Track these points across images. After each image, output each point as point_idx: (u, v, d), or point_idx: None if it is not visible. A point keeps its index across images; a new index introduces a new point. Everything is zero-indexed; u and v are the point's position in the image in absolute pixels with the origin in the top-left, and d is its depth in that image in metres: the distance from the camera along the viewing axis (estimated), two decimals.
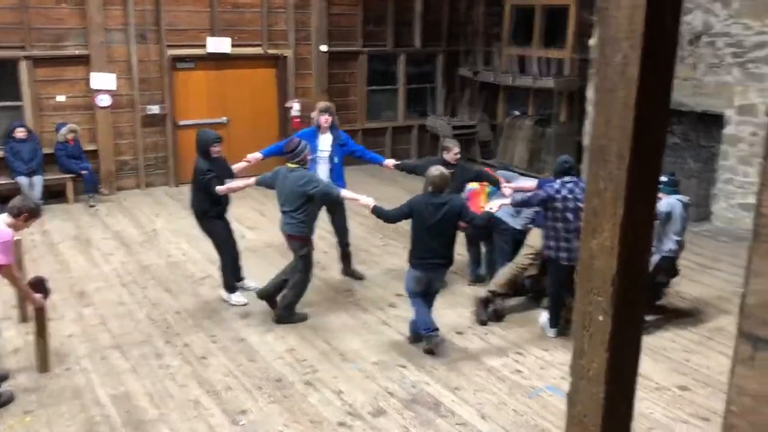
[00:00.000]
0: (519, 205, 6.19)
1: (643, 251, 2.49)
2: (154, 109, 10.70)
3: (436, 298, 6.02)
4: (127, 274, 7.47)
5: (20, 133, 9.44)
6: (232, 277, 6.73)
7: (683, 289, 7.12)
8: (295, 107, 11.77)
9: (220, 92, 11.36)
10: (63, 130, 9.77)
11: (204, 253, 8.08)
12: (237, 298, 6.67)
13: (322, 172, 7.00)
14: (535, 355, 5.83)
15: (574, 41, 11.48)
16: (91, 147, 10.30)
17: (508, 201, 6.13)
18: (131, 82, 10.49)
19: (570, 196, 5.79)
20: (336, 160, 7.14)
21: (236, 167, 6.70)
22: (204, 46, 10.83)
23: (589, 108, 11.03)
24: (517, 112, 12.66)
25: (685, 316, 6.65)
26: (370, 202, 6.00)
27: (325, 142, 7.13)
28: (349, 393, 5.19)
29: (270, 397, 5.10)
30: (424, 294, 5.82)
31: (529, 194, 6.12)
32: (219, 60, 11.12)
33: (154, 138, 10.90)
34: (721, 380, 5.43)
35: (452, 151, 6.87)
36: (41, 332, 5.34)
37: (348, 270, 7.44)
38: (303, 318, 6.33)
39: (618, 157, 2.33)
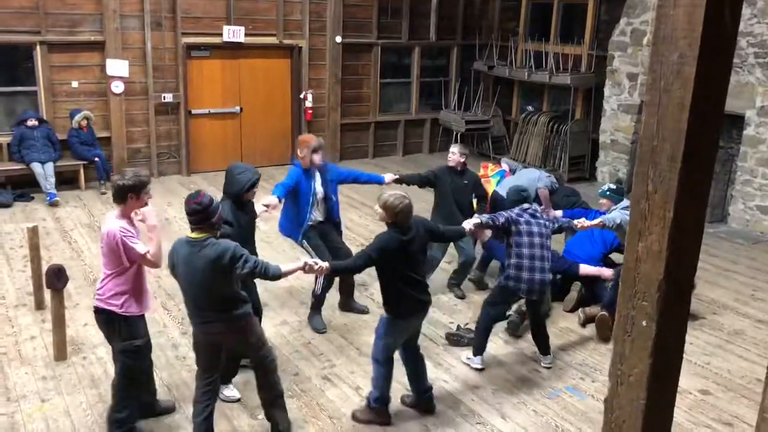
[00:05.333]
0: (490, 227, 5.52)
1: (692, 257, 2.42)
2: (168, 97, 10.64)
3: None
4: None
5: (30, 121, 9.40)
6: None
7: (701, 291, 7.04)
8: (309, 98, 11.72)
9: (234, 81, 11.30)
10: (77, 117, 9.73)
11: None
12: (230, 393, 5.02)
13: (320, 214, 6.08)
14: (554, 355, 5.77)
15: (592, 38, 11.39)
16: (104, 134, 10.26)
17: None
18: (145, 69, 10.43)
19: (532, 221, 5.39)
20: (334, 198, 6.19)
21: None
22: (219, 34, 10.76)
23: (606, 105, 10.95)
24: (531, 108, 12.58)
25: (703, 318, 6.58)
26: None
27: (318, 181, 6.04)
28: (367, 389, 5.12)
29: (288, 392, 5.03)
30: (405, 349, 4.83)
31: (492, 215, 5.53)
32: (234, 49, 11.05)
33: (167, 126, 10.85)
34: (742, 384, 5.39)
35: (454, 155, 6.57)
36: (57, 320, 5.31)
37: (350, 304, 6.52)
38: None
39: (670, 159, 2.26)
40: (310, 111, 11.84)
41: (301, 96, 11.73)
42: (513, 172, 7.81)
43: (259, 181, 5.04)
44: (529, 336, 6.09)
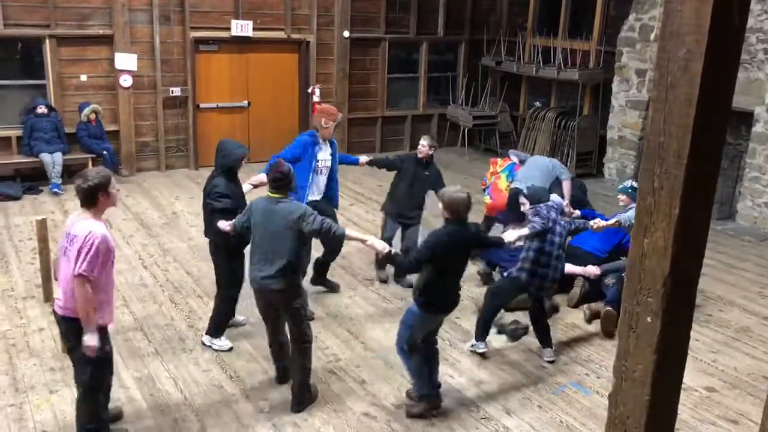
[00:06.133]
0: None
1: (698, 254, 2.41)
2: (176, 91, 10.67)
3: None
4: (149, 256, 7.47)
5: (40, 108, 9.47)
6: (224, 320, 5.63)
7: (707, 287, 7.03)
8: (317, 92, 11.72)
9: (241, 76, 11.31)
10: (86, 110, 9.77)
11: None
12: (221, 342, 5.56)
13: (321, 183, 6.35)
14: (559, 350, 5.77)
15: (600, 33, 11.34)
16: (112, 127, 10.29)
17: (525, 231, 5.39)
18: (153, 63, 10.45)
19: (557, 219, 5.52)
20: (335, 169, 6.48)
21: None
22: (227, 28, 10.77)
23: (614, 101, 10.91)
24: (539, 104, 12.55)
25: (709, 315, 6.57)
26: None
27: (327, 151, 6.40)
28: (372, 383, 5.17)
29: None
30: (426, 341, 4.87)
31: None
32: (242, 43, 11.06)
33: (175, 120, 10.88)
34: (748, 382, 5.38)
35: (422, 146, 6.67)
36: None
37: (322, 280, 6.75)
38: (316, 394, 4.96)
39: (676, 156, 2.25)
40: (318, 105, 11.83)
41: (309, 90, 11.73)
42: (522, 162, 7.82)
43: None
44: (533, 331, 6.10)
